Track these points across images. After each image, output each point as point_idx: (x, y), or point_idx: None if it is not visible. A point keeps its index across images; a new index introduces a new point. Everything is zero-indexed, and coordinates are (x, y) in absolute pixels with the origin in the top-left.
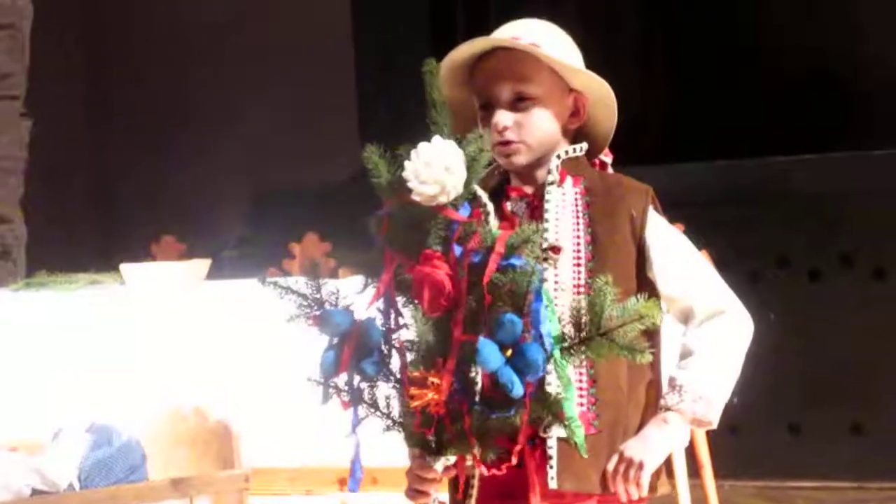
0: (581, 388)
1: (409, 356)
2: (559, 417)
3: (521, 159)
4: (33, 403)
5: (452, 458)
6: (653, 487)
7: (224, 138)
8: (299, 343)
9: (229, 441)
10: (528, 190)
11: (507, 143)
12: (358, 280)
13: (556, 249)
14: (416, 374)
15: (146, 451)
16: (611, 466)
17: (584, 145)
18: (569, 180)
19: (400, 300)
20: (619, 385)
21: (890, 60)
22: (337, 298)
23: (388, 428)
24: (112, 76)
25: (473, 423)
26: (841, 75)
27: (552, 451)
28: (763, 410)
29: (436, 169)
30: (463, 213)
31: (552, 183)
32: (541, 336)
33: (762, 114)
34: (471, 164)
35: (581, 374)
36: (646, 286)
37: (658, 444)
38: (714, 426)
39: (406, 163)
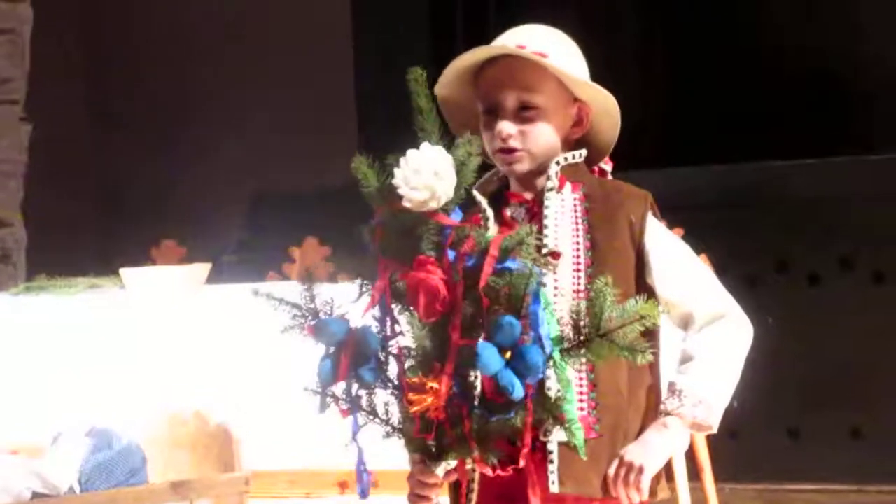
0: (582, 393)
1: (407, 362)
2: (559, 419)
3: (523, 167)
4: (34, 407)
5: (453, 463)
6: (653, 492)
7: (224, 141)
8: (299, 347)
9: (229, 444)
10: (528, 196)
11: (510, 150)
12: (353, 287)
13: (555, 255)
14: (414, 379)
15: (146, 455)
16: (611, 471)
17: (584, 151)
18: (568, 186)
19: (396, 307)
20: (619, 389)
21: (891, 62)
22: (332, 307)
23: (387, 434)
24: (112, 80)
25: (473, 426)
26: (840, 78)
27: (553, 455)
28: (763, 414)
29: (425, 175)
30: (455, 217)
31: (551, 189)
32: (540, 338)
33: (761, 118)
34: (460, 168)
35: (581, 378)
36: (645, 292)
37: (658, 448)
38: (714, 430)
39: (395, 170)
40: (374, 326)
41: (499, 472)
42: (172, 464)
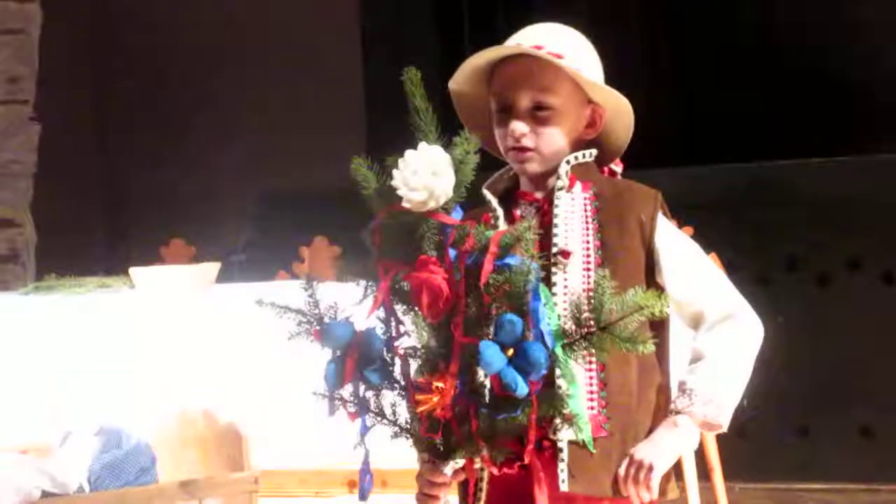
0: (591, 392)
1: (413, 362)
2: (565, 415)
3: (534, 167)
4: (43, 406)
5: (461, 462)
6: (663, 491)
7: (233, 140)
8: (307, 346)
9: (238, 443)
10: (539, 195)
11: (523, 149)
12: (358, 289)
13: (565, 254)
14: (420, 379)
15: (155, 454)
16: (621, 470)
17: (594, 151)
18: (578, 185)
19: (400, 308)
20: (629, 388)
21: None
22: (336, 311)
23: (395, 435)
24: (121, 80)
25: (480, 425)
26: (852, 79)
27: (563, 453)
28: (773, 413)
29: (423, 175)
30: (456, 215)
31: (562, 188)
32: (542, 334)
33: (771, 117)
34: (459, 166)
35: (591, 377)
36: (655, 291)
37: (668, 447)
38: (724, 429)
39: (394, 171)
40: (380, 328)
41: (505, 470)
42: (182, 463)
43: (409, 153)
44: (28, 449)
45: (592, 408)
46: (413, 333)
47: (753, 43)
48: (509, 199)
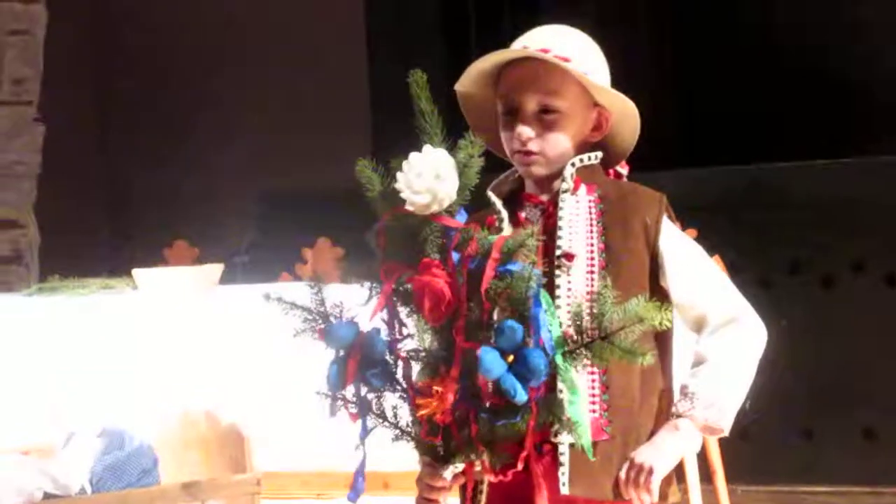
0: (594, 395)
1: (415, 365)
2: (565, 422)
3: (540, 170)
4: (46, 407)
5: (461, 466)
6: (664, 495)
7: (237, 141)
8: (310, 348)
9: (241, 445)
10: (544, 197)
11: (529, 153)
12: (363, 289)
13: (569, 256)
14: (420, 383)
15: (158, 455)
16: (622, 473)
17: (599, 153)
18: (583, 188)
19: (404, 310)
20: (631, 392)
21: None
22: (341, 311)
23: (396, 438)
24: (125, 81)
25: (480, 430)
26: (852, 79)
27: (564, 457)
28: (776, 415)
29: (427, 178)
30: (460, 218)
31: (566, 191)
32: (542, 341)
33: (771, 117)
34: (463, 170)
35: (594, 380)
36: (659, 294)
37: (669, 450)
38: (726, 434)
39: (398, 174)
40: (383, 330)
41: (501, 477)
42: (184, 464)
43: (413, 156)
44: (30, 450)
45: (594, 411)
46: (415, 336)
47: (753, 43)
48: (514, 201)
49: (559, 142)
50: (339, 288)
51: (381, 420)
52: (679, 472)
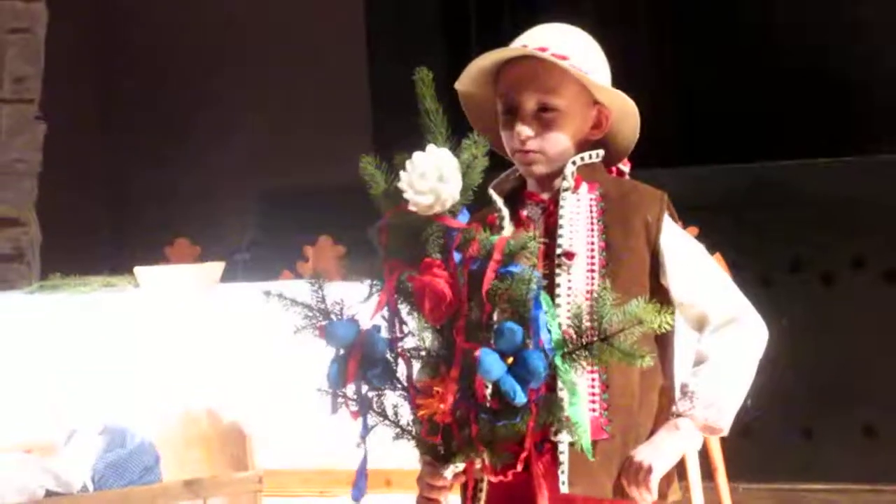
0: (594, 394)
1: (415, 365)
2: (564, 422)
3: (540, 169)
4: (47, 405)
5: (461, 465)
6: (664, 494)
7: (238, 139)
8: (312, 345)
9: (242, 442)
10: (545, 196)
11: (528, 152)
12: (363, 287)
13: (569, 255)
14: (421, 383)
15: (159, 453)
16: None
17: (601, 151)
18: (584, 186)
19: (405, 308)
20: (632, 391)
21: None
22: (342, 308)
23: (397, 436)
24: (126, 79)
25: (480, 430)
26: (852, 79)
27: (563, 455)
28: (776, 413)
29: (430, 179)
30: (462, 219)
31: (567, 189)
32: (541, 342)
33: (770, 117)
34: (466, 170)
35: (594, 379)
36: (659, 293)
37: (668, 449)
38: (725, 433)
39: (402, 173)
40: (383, 328)
41: (501, 477)
42: (186, 462)
43: (416, 155)
44: (32, 448)
45: (594, 410)
46: (416, 335)
47: (753, 43)
48: (516, 199)
49: (559, 140)
50: (340, 286)
51: (381, 418)
52: (680, 470)
